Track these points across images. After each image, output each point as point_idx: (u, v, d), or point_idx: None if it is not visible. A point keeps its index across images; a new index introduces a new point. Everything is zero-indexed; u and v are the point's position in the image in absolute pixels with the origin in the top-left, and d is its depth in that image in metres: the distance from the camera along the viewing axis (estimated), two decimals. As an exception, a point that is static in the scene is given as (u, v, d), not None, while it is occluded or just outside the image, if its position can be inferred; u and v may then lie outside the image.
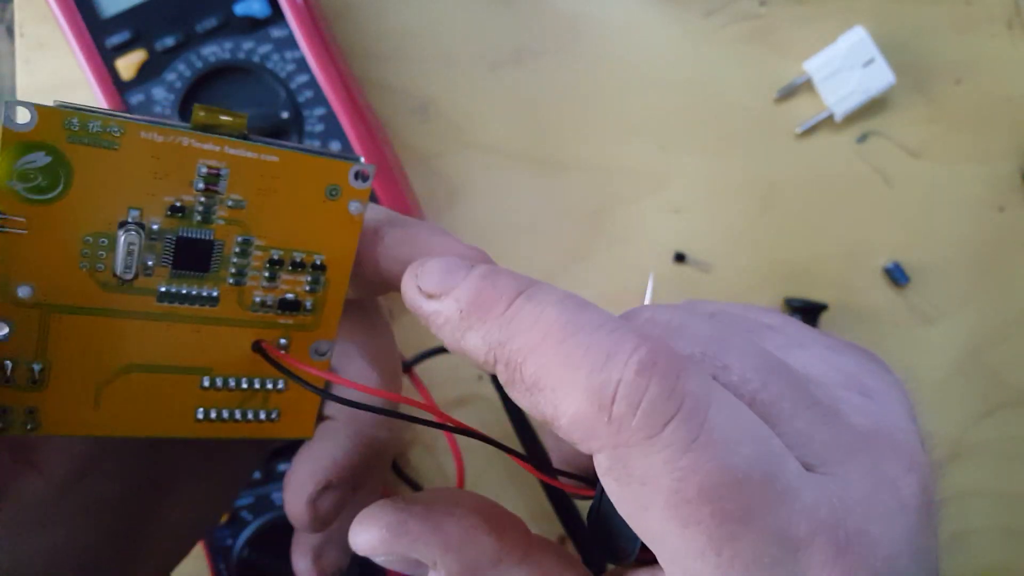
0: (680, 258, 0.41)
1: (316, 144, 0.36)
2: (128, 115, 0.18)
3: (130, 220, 0.18)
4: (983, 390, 0.41)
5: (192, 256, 0.19)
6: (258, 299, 0.20)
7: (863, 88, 0.40)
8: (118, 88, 0.36)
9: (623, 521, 0.18)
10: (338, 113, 0.36)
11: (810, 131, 0.41)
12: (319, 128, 0.36)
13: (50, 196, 0.17)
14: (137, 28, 0.36)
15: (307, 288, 0.21)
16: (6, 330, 0.18)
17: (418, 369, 0.36)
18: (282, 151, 0.19)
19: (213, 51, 0.36)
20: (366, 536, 0.19)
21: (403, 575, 0.20)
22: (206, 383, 0.20)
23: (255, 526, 0.36)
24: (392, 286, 0.21)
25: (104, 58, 0.36)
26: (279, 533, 0.35)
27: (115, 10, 0.36)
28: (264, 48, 0.36)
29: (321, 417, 0.23)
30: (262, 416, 0.21)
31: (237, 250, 0.20)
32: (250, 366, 0.21)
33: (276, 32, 0.36)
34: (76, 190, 0.17)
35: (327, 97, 0.36)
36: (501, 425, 0.36)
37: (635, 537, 0.19)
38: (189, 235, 0.19)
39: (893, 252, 0.41)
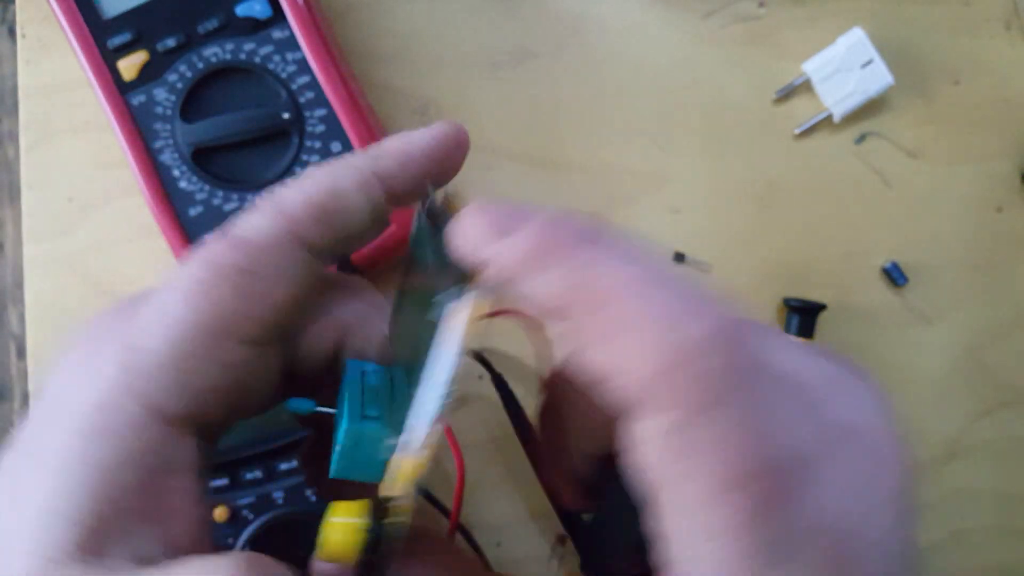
0: (680, 258, 0.41)
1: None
2: None
3: None
4: (981, 390, 0.41)
5: None
6: None
7: (862, 89, 0.40)
8: (119, 89, 0.36)
9: (617, 534, 0.18)
10: (339, 114, 0.36)
11: (809, 132, 0.42)
12: (320, 129, 0.36)
13: None
14: (138, 29, 0.36)
15: None
16: None
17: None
18: None
19: (214, 52, 0.36)
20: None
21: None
22: None
23: (256, 525, 0.36)
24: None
25: (105, 59, 0.36)
26: (280, 531, 0.35)
27: (116, 11, 0.36)
28: (265, 49, 0.36)
29: None
30: None
31: None
32: None
33: (277, 33, 0.36)
34: None
35: (328, 98, 0.36)
36: (501, 425, 0.36)
37: (626, 548, 0.19)
38: None
39: (891, 252, 0.42)
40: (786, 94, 0.42)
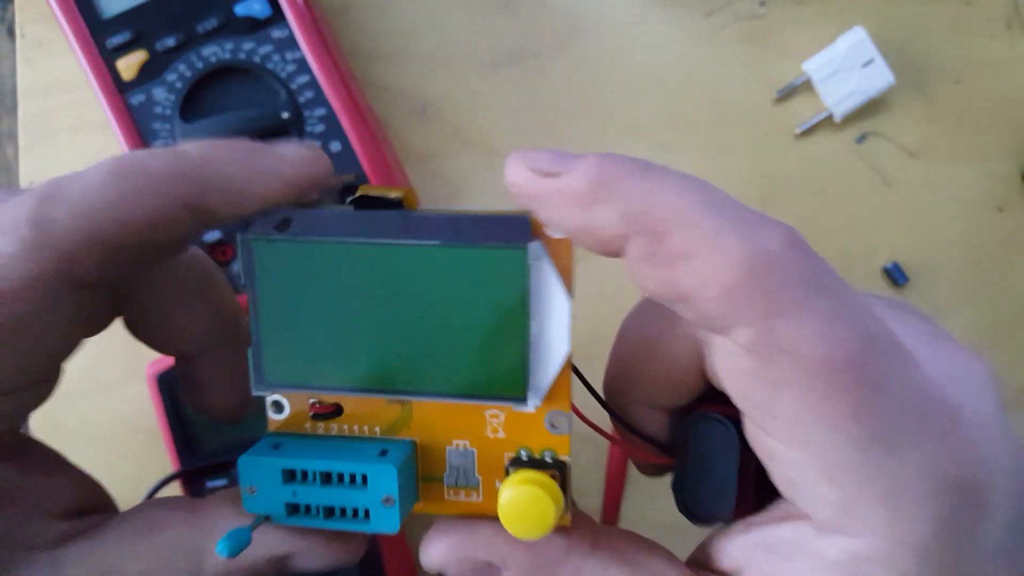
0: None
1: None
2: None
3: None
4: (982, 390, 0.41)
5: None
6: None
7: (862, 88, 0.40)
8: (119, 88, 0.36)
9: (715, 482, 0.19)
10: (338, 113, 0.36)
11: (809, 131, 0.42)
12: (319, 128, 0.36)
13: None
14: (138, 28, 0.36)
15: None
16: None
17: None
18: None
19: (214, 51, 0.36)
20: (439, 546, 0.19)
21: None
22: None
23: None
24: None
25: (105, 58, 0.36)
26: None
27: (116, 10, 0.36)
28: (265, 48, 0.36)
29: None
30: None
31: None
32: None
33: (276, 33, 0.36)
34: None
35: (327, 97, 0.36)
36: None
37: (732, 492, 0.19)
38: None
39: (892, 252, 0.42)
40: (787, 94, 0.41)
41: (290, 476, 0.19)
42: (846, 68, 0.40)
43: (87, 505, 0.21)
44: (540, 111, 0.41)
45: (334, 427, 0.21)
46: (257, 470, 0.19)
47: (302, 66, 0.36)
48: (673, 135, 0.41)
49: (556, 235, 0.19)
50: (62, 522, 0.20)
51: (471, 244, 0.18)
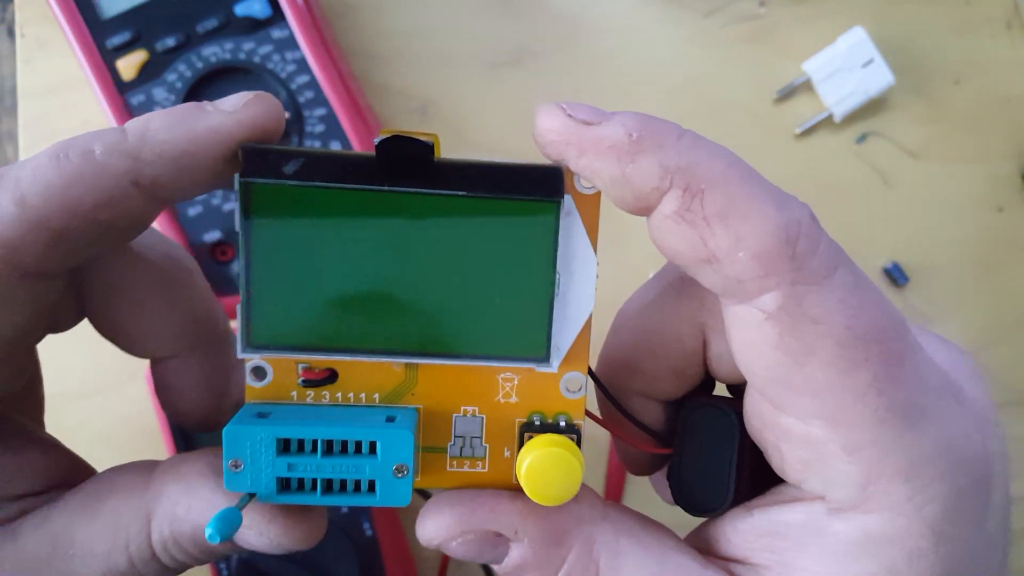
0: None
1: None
2: None
3: None
4: (982, 390, 0.41)
5: None
6: None
7: (862, 88, 0.40)
8: (119, 89, 0.36)
9: (713, 471, 0.19)
10: (338, 113, 0.36)
11: (809, 131, 0.42)
12: (319, 128, 0.36)
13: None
14: (138, 28, 0.36)
15: None
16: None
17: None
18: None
19: (214, 52, 0.36)
20: (442, 519, 0.18)
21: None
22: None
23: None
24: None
25: (105, 58, 0.36)
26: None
27: (116, 10, 0.36)
28: (264, 49, 0.36)
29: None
30: None
31: None
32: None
33: (277, 33, 0.36)
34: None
35: (327, 98, 0.36)
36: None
37: (731, 481, 0.19)
38: None
39: (892, 252, 0.42)
40: (787, 94, 0.41)
41: (285, 447, 0.17)
42: (846, 68, 0.40)
43: (58, 479, 0.21)
44: (540, 111, 0.41)
45: (326, 395, 0.18)
46: (245, 441, 0.17)
47: (302, 66, 0.36)
48: (673, 135, 0.41)
49: (586, 190, 0.18)
50: (27, 499, 0.20)
51: (500, 195, 0.17)
